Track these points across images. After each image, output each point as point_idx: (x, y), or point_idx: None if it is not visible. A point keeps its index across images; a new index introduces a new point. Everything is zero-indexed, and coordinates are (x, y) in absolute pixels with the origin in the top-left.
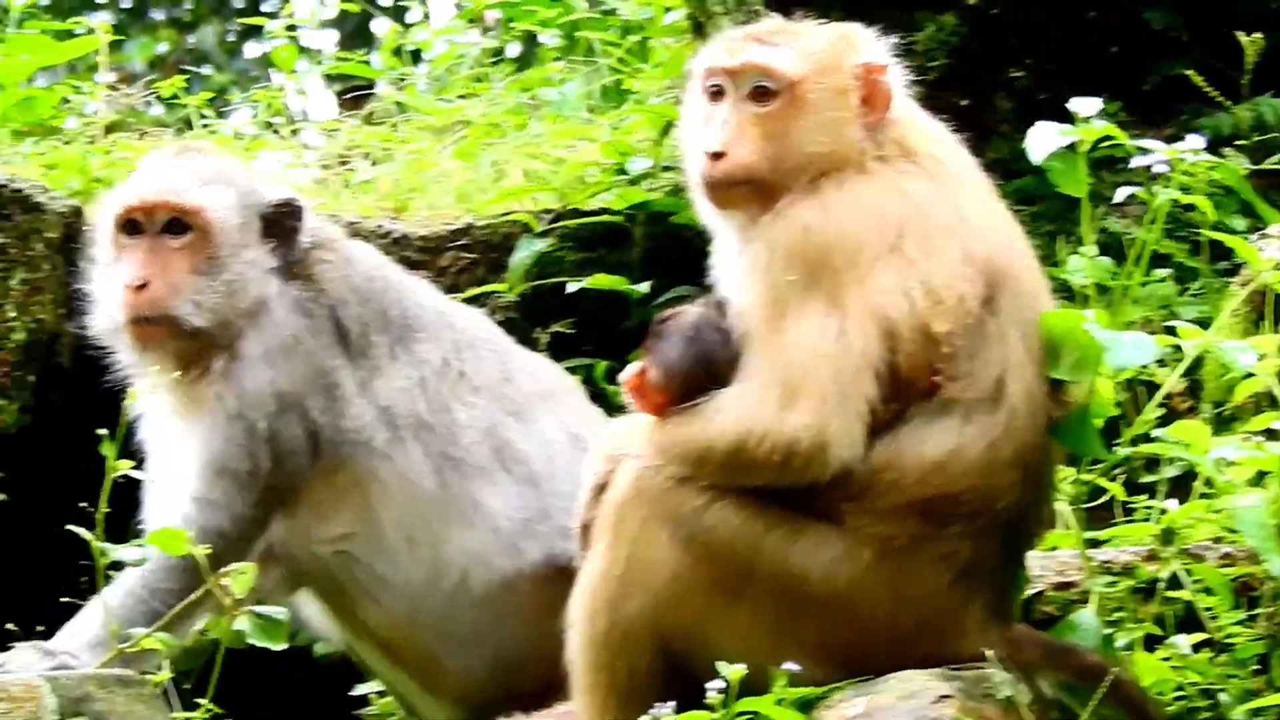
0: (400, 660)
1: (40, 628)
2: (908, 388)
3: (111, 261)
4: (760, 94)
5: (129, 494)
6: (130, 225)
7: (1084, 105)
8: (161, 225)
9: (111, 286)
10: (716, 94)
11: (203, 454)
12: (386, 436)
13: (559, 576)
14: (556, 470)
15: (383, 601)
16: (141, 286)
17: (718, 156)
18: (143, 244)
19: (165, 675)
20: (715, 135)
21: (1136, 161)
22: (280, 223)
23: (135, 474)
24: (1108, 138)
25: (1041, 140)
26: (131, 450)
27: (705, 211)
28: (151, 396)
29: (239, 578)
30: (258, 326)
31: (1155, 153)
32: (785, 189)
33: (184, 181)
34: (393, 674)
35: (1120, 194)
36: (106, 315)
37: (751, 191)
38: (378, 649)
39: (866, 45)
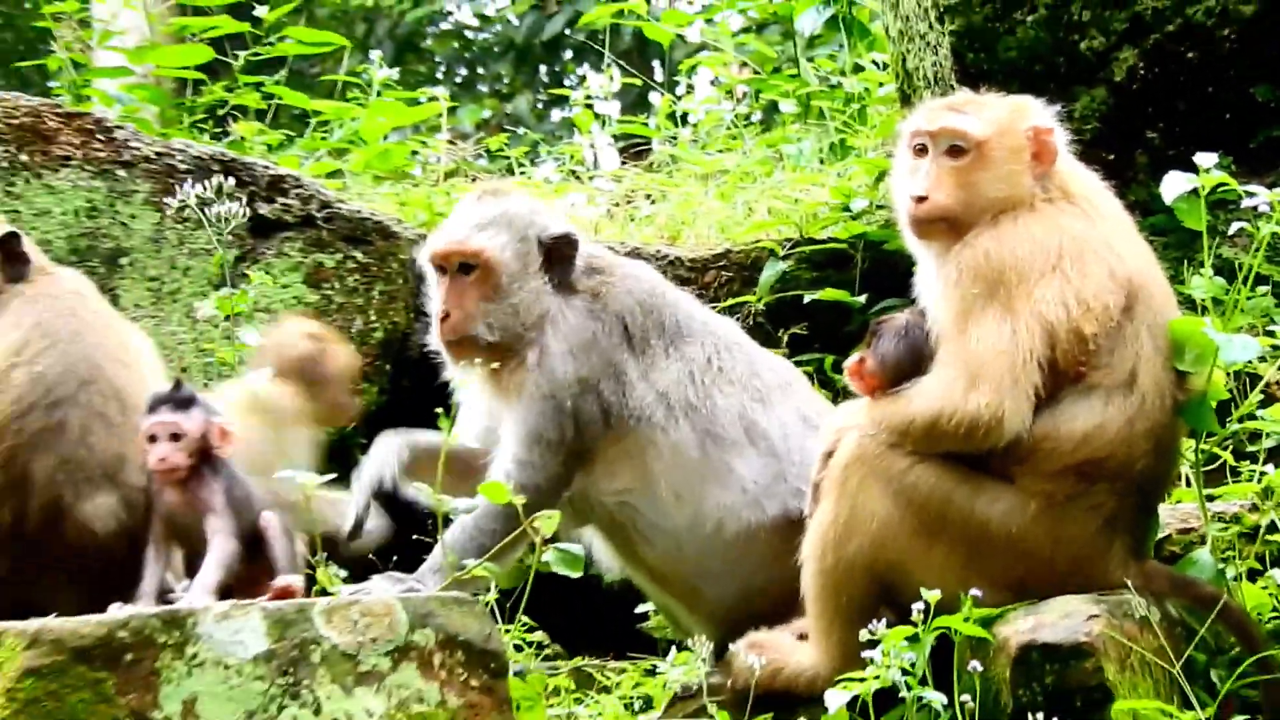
0: (668, 588)
1: (395, 559)
2: (1061, 375)
3: (434, 293)
4: (954, 151)
5: None
6: (438, 268)
7: (1204, 159)
8: (456, 266)
9: (433, 316)
10: (920, 151)
11: (522, 426)
12: (663, 414)
13: (792, 527)
14: (791, 445)
15: (654, 542)
16: (446, 317)
17: (921, 200)
18: (446, 282)
19: (492, 596)
20: (919, 183)
21: (1245, 203)
22: (559, 250)
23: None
24: (1223, 184)
25: (1171, 186)
26: None
27: (910, 241)
28: (474, 388)
29: (547, 521)
30: (557, 330)
31: (1259, 196)
32: (972, 224)
33: (466, 230)
34: (663, 598)
35: (1232, 228)
36: (431, 336)
37: (947, 227)
38: (650, 578)
39: (1036, 112)
